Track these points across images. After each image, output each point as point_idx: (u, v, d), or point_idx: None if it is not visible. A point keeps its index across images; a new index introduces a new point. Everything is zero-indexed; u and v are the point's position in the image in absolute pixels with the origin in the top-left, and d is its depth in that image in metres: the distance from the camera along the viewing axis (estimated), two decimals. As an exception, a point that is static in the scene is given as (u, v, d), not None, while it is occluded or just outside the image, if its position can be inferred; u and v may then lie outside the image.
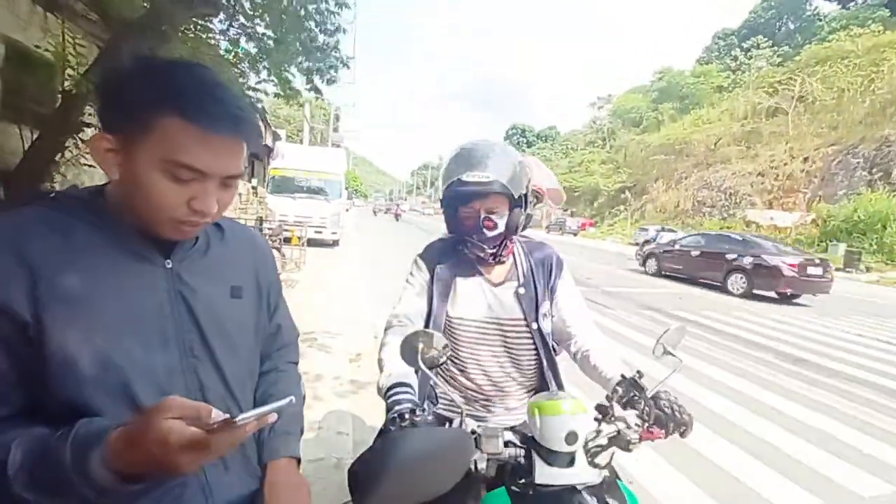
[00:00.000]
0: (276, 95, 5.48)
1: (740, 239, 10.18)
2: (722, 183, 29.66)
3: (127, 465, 0.54)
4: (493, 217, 1.12)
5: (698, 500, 2.30)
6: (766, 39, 45.94)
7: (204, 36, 4.72)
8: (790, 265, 8.64)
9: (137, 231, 0.69)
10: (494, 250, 1.17)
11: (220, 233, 0.84)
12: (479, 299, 1.20)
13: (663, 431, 0.89)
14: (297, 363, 1.02)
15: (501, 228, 1.14)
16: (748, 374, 4.33)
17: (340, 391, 3.13)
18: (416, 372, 1.08)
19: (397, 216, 39.08)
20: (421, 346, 0.83)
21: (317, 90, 4.47)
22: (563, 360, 1.26)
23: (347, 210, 26.18)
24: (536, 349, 1.21)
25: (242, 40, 4.93)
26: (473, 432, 0.81)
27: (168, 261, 0.72)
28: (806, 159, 25.81)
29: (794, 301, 9.14)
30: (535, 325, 1.19)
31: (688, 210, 31.29)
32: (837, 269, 16.08)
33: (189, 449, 0.52)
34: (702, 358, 4.70)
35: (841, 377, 4.43)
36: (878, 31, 30.82)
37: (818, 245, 20.26)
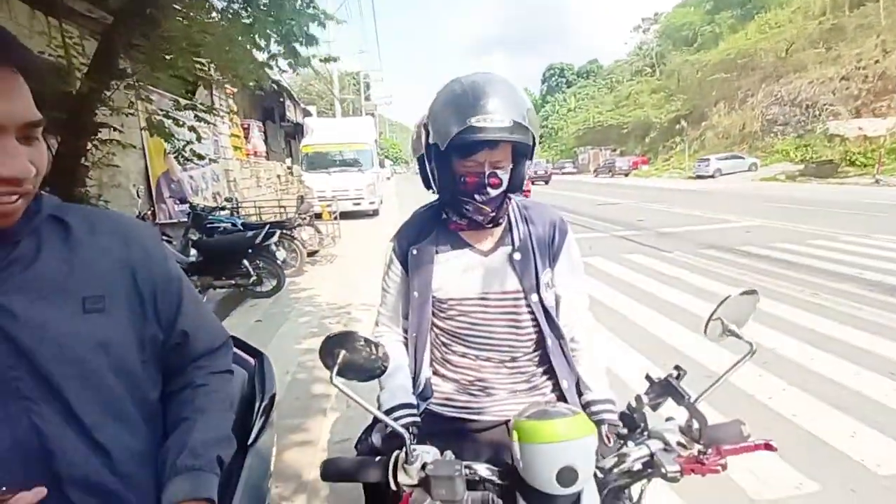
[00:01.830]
0: (289, 63, 5.25)
1: None
2: (796, 95, 26.02)
3: None
4: (498, 172, 0.91)
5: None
6: (847, -88, 38.29)
7: (201, 16, 4.55)
8: None
9: None
10: (494, 213, 0.96)
11: (63, 231, 0.64)
12: (468, 274, 1.00)
13: (720, 459, 0.62)
14: (226, 372, 0.84)
15: (505, 186, 0.94)
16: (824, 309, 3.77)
17: (372, 366, 3.07)
18: (413, 370, 1.03)
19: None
20: (343, 354, 0.62)
21: (295, 53, 4.21)
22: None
23: (389, 178, 26.05)
24: (539, 326, 0.99)
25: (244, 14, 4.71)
26: (424, 466, 0.60)
27: None
28: (904, 52, 21.83)
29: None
30: (534, 297, 0.98)
31: (756, 132, 28.00)
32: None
33: None
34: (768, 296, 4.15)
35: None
36: None
37: (921, 152, 17.44)
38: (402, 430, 0.61)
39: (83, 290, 0.63)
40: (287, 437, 2.28)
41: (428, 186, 1.06)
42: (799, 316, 3.69)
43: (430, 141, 0.93)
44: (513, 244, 1.01)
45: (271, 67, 5.66)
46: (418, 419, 0.95)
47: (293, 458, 2.13)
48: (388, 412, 0.93)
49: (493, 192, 0.93)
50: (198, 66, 4.68)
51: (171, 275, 0.75)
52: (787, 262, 5.44)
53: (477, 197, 0.93)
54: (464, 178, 0.93)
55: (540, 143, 1.01)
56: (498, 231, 1.03)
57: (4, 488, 0.41)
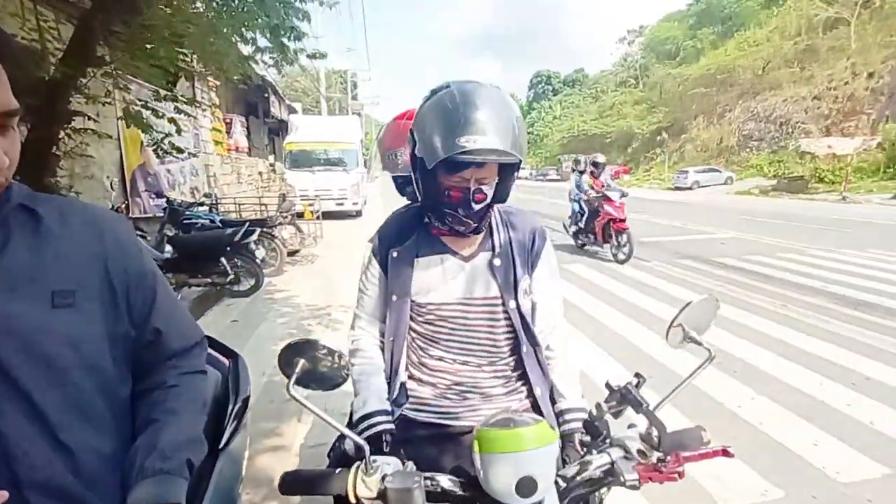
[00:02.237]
0: (274, 60, 5.16)
1: None
2: (771, 112, 27.03)
3: None
4: (483, 188, 0.91)
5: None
6: (822, -60, 39.99)
7: (185, 5, 4.44)
8: None
9: None
10: (477, 224, 0.97)
11: (33, 221, 0.62)
12: (448, 279, 1.00)
13: (678, 467, 0.63)
14: (200, 372, 0.82)
15: (489, 199, 0.94)
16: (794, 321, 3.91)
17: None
18: (387, 375, 1.02)
19: None
20: (302, 363, 0.61)
21: (283, 48, 4.17)
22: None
23: (376, 178, 25.74)
24: (514, 332, 1.00)
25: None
26: (384, 478, 0.59)
27: None
28: (871, 75, 22.89)
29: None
30: (512, 304, 0.99)
31: (732, 146, 28.94)
32: (908, 197, 14.53)
33: None
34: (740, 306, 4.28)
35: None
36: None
37: (885, 171, 18.28)
38: (361, 442, 0.60)
39: (53, 283, 0.61)
40: (260, 441, 2.23)
41: (402, 193, 1.05)
42: (769, 327, 3.81)
43: (417, 153, 0.92)
44: (493, 250, 1.01)
45: (257, 62, 5.56)
46: (392, 426, 0.93)
47: (265, 463, 2.08)
48: (361, 419, 0.92)
49: (477, 207, 0.93)
50: (180, 56, 4.56)
51: (146, 269, 0.73)
52: (759, 275, 5.63)
53: (460, 210, 0.93)
54: (448, 191, 0.92)
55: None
56: (478, 236, 1.03)
57: None
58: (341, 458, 0.98)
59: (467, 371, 1.01)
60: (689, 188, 24.61)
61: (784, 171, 22.00)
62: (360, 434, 0.87)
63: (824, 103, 24.55)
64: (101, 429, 0.64)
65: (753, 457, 2.11)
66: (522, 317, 0.99)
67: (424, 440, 0.97)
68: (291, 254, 6.52)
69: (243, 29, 3.92)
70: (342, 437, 1.02)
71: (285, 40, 3.97)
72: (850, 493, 1.90)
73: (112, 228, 0.70)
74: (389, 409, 0.97)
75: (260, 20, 3.82)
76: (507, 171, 0.95)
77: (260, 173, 12.07)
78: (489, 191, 0.93)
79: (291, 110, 17.19)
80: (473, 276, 1.00)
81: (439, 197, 0.94)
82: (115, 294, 0.67)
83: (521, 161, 0.92)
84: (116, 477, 0.65)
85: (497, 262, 1.00)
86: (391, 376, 1.03)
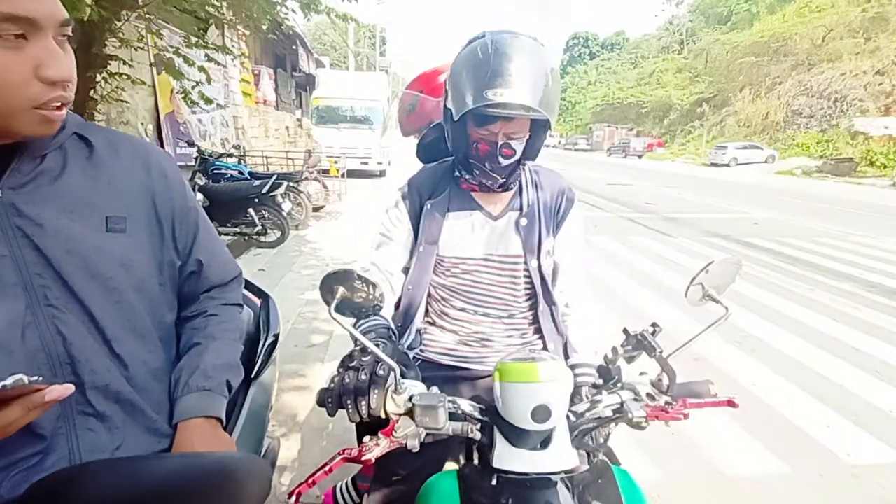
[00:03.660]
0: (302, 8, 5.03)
1: None
2: (826, 87, 25.05)
3: None
4: (512, 143, 0.90)
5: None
6: None
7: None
8: None
9: None
10: (505, 179, 0.97)
11: (87, 149, 0.66)
12: (475, 235, 1.02)
13: (684, 410, 0.66)
14: (237, 304, 0.88)
15: (518, 155, 0.93)
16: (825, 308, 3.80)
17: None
18: (404, 322, 1.03)
19: None
20: (341, 290, 0.64)
21: None
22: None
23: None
24: (534, 290, 1.03)
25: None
26: (412, 398, 0.63)
27: None
28: (946, 49, 20.83)
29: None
30: (534, 263, 1.01)
31: (778, 122, 27.19)
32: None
33: None
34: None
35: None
36: None
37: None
38: (393, 364, 0.64)
39: (106, 209, 0.65)
40: (284, 381, 2.37)
41: (421, 158, 1.05)
42: (793, 310, 3.72)
43: (447, 104, 0.92)
44: (521, 209, 1.03)
45: (287, 9, 5.43)
46: (391, 326, 0.92)
47: (290, 400, 2.22)
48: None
49: (505, 162, 0.93)
50: (211, 1, 4.50)
51: (189, 204, 0.77)
52: (790, 257, 5.44)
53: (487, 165, 0.94)
54: (477, 144, 0.92)
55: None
56: (508, 195, 1.04)
57: (39, 378, 0.44)
58: None
59: (487, 322, 1.05)
60: (727, 165, 23.50)
61: (832, 152, 20.70)
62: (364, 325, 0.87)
63: (887, 79, 22.59)
64: (149, 345, 0.70)
65: (762, 431, 2.13)
66: (542, 277, 1.02)
67: (444, 380, 1.01)
68: (316, 209, 6.63)
69: None
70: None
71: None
72: (859, 475, 1.91)
73: (158, 163, 0.73)
74: (387, 323, 0.93)
75: None
76: (539, 128, 0.94)
77: (287, 128, 12.09)
78: (518, 147, 0.92)
79: (319, 64, 16.92)
80: (499, 234, 1.02)
81: (468, 149, 0.94)
82: (161, 225, 0.71)
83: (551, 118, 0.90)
84: (163, 388, 0.72)
85: (524, 221, 1.01)
86: (407, 322, 1.06)
